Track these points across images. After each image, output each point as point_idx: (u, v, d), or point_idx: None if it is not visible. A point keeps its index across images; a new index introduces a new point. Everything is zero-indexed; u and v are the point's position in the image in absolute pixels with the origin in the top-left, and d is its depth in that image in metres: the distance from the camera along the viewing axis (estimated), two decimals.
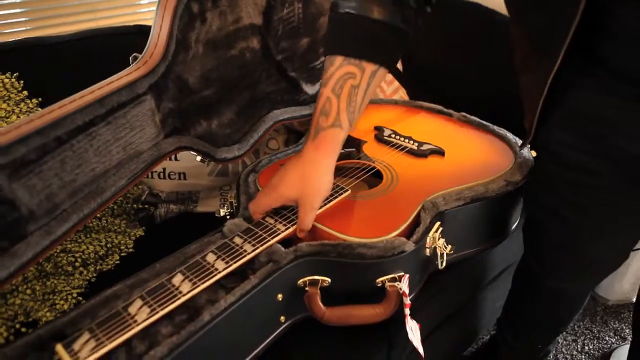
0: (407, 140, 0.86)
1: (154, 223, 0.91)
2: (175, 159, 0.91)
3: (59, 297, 0.69)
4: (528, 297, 0.85)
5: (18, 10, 1.13)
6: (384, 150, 0.85)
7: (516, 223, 0.84)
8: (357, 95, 0.60)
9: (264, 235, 0.60)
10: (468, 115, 0.96)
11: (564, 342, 1.16)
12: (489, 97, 1.06)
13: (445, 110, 0.99)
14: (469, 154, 0.84)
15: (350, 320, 0.59)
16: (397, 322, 0.60)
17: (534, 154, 0.81)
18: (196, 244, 0.65)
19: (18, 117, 0.76)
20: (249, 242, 0.59)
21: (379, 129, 0.91)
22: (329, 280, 0.60)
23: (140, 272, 0.60)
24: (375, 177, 0.77)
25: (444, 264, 0.66)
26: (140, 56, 0.67)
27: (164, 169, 0.91)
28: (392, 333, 0.66)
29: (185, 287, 0.52)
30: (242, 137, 0.82)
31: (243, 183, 0.76)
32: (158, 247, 0.66)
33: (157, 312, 0.49)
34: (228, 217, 0.74)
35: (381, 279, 0.60)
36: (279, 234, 0.60)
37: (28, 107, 0.78)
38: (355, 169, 0.78)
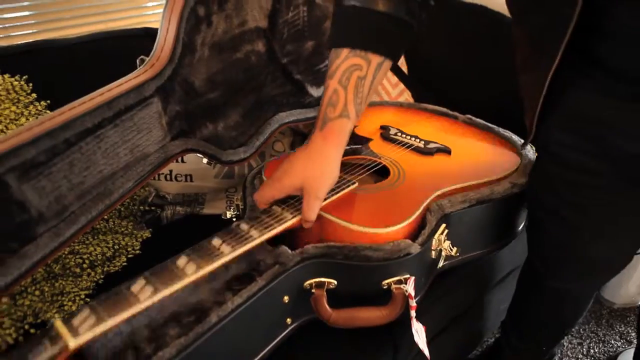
0: (413, 139, 0.86)
1: (161, 225, 0.92)
2: (182, 161, 0.91)
3: (67, 298, 0.69)
4: (532, 297, 0.85)
5: (26, 13, 1.14)
6: (390, 148, 0.85)
7: (522, 225, 0.84)
8: (363, 87, 0.60)
9: (271, 222, 0.59)
10: (473, 118, 0.96)
11: (569, 346, 1.15)
12: (494, 99, 1.06)
13: (451, 112, 1.00)
14: (475, 153, 0.84)
15: (356, 322, 0.60)
16: (402, 324, 0.60)
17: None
18: None
19: (27, 119, 0.77)
20: (256, 228, 0.58)
21: (385, 128, 0.91)
22: (335, 282, 0.60)
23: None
24: (381, 175, 0.77)
25: (449, 265, 0.66)
26: (147, 59, 0.68)
27: (171, 171, 0.92)
28: (397, 335, 0.66)
29: (190, 269, 0.50)
30: (247, 140, 0.82)
31: (249, 185, 0.77)
32: (165, 249, 0.65)
33: (160, 292, 0.47)
34: (234, 219, 0.75)
35: (387, 281, 0.60)
36: (286, 221, 0.59)
37: (37, 109, 0.79)
38: (361, 165, 0.78)
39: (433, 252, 0.65)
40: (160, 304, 0.56)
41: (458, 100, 1.04)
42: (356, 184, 0.69)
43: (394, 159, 0.80)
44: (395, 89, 1.21)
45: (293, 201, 0.63)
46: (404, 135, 0.88)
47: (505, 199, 0.72)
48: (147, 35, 1.00)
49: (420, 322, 0.60)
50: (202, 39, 0.71)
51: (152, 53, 0.68)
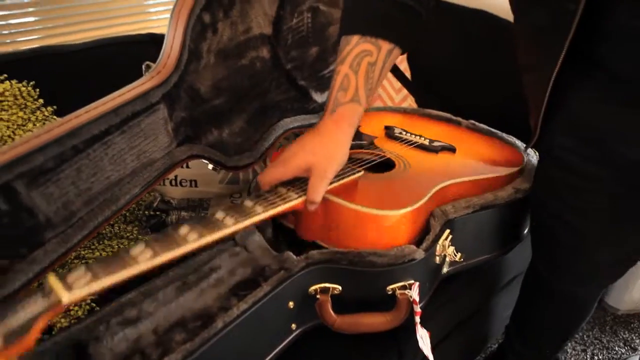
0: (417, 137, 0.87)
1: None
2: (187, 166, 0.92)
3: None
4: (536, 302, 0.85)
5: (32, 19, 1.15)
6: (395, 145, 0.84)
7: (526, 230, 0.84)
8: (374, 73, 0.60)
9: (276, 199, 0.58)
10: (476, 123, 0.97)
11: (573, 352, 1.15)
12: (497, 105, 1.06)
13: (454, 117, 1.00)
14: (479, 152, 0.85)
15: (360, 328, 0.60)
16: (407, 330, 0.61)
17: None
18: (208, 252, 0.66)
19: (34, 124, 0.77)
20: (260, 204, 0.56)
21: (389, 128, 0.91)
22: (340, 287, 0.60)
23: (154, 279, 0.61)
24: (385, 170, 0.77)
25: (447, 269, 0.67)
26: (154, 66, 0.69)
27: (176, 176, 0.92)
28: (402, 341, 0.66)
29: (192, 237, 0.48)
30: (252, 146, 0.83)
31: (254, 191, 0.77)
32: None
33: (160, 256, 0.45)
34: None
35: (392, 286, 0.60)
36: (290, 200, 0.59)
37: (44, 115, 0.80)
38: (366, 160, 0.78)
39: (437, 258, 0.66)
40: (167, 309, 0.57)
41: (461, 105, 1.05)
42: (362, 172, 0.69)
43: (399, 154, 0.80)
44: (398, 95, 1.22)
45: (299, 183, 0.62)
46: (408, 134, 0.88)
47: (509, 205, 0.73)
48: (153, 41, 1.01)
49: (425, 328, 0.60)
50: (207, 45, 0.72)
51: (158, 60, 0.69)
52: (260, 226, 0.68)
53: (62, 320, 0.67)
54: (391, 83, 1.22)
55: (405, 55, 1.23)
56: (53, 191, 0.54)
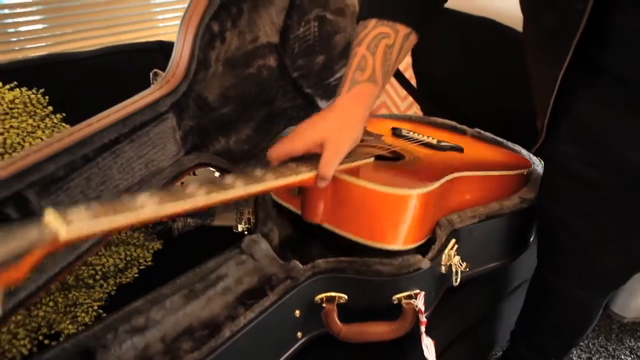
0: (425, 137, 0.86)
1: (172, 236, 0.92)
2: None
3: (80, 309, 0.70)
4: (541, 306, 0.84)
5: (41, 26, 1.17)
6: (403, 142, 0.84)
7: (532, 238, 0.84)
8: (391, 55, 0.60)
9: (287, 171, 0.56)
10: (482, 132, 0.97)
11: None
12: (502, 113, 1.06)
13: (459, 126, 1.00)
14: (487, 153, 0.85)
15: (366, 337, 0.60)
16: (412, 339, 0.61)
17: None
18: (215, 260, 0.67)
19: (43, 132, 0.78)
20: (272, 173, 0.54)
21: (396, 129, 0.91)
22: (346, 296, 0.60)
23: (161, 287, 0.61)
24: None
25: (459, 280, 0.67)
26: (163, 75, 0.70)
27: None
28: (407, 350, 0.66)
29: (200, 193, 0.46)
30: (259, 153, 0.84)
31: (261, 199, 0.77)
32: (176, 260, 0.67)
33: (165, 203, 0.43)
34: (246, 232, 0.75)
35: (397, 296, 0.60)
36: (301, 173, 0.56)
37: (53, 122, 0.81)
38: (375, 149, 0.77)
39: (443, 267, 0.66)
40: (174, 317, 0.57)
41: (467, 113, 1.05)
42: (372, 159, 0.68)
43: (407, 149, 0.79)
44: (404, 102, 1.22)
45: (309, 159, 0.59)
46: (415, 134, 0.88)
47: (515, 214, 0.73)
48: (161, 49, 1.01)
49: (430, 337, 0.60)
50: (216, 55, 0.73)
51: (167, 69, 0.69)
52: (266, 234, 0.68)
53: (70, 326, 0.67)
54: (396, 90, 1.22)
55: (410, 63, 1.24)
56: (63, 200, 0.55)
